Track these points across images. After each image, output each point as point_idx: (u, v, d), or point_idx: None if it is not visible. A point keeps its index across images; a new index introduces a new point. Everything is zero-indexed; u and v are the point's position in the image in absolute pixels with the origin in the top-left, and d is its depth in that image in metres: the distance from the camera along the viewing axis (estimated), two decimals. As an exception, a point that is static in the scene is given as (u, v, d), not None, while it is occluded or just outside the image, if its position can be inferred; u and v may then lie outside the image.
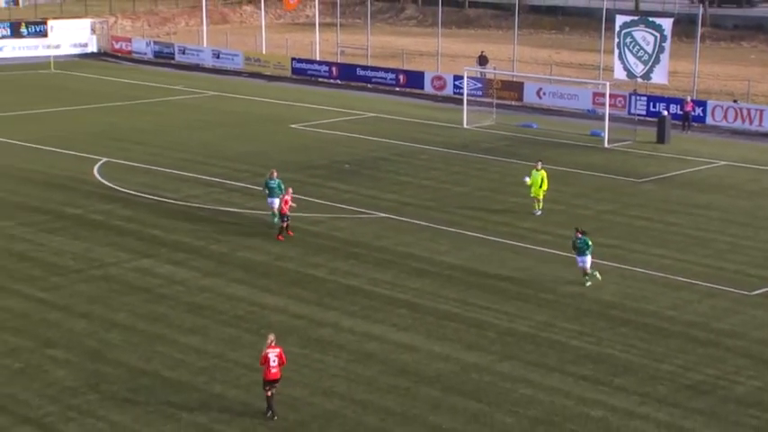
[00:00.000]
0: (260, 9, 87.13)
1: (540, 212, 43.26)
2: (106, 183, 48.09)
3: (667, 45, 58.81)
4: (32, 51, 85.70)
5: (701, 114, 63.29)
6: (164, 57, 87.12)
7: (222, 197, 45.86)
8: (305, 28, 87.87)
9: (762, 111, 62.07)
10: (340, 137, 59.22)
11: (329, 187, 47.74)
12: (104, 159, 52.31)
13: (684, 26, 74.79)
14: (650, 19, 61.52)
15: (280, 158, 53.04)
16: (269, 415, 25.71)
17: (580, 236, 34.70)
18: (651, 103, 63.82)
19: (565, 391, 27.81)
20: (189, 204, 44.46)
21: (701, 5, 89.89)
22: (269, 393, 25.73)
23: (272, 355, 25.55)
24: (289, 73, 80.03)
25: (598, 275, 34.88)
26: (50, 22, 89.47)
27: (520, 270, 37.04)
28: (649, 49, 59.32)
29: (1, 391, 27.43)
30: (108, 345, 30.35)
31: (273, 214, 40.99)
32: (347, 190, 47.35)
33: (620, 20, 61.01)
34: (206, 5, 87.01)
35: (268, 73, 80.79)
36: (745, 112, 62.39)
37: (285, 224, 39.94)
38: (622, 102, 63.58)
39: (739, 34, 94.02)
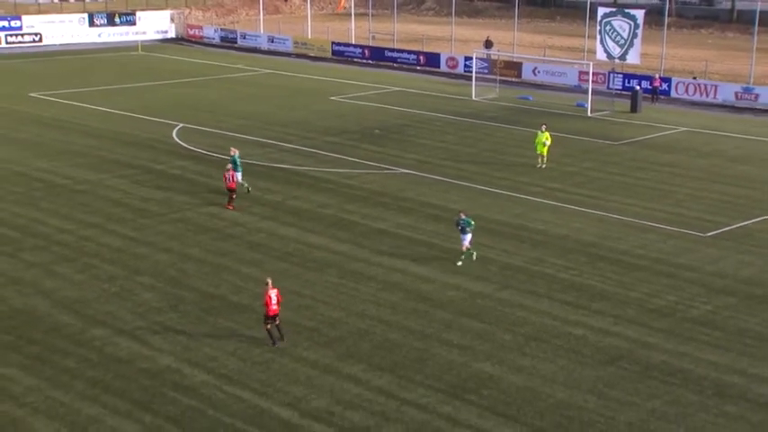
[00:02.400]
0: (306, 2, 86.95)
1: (543, 166, 43.34)
2: (182, 144, 48.33)
3: (640, 32, 59.07)
4: (124, 37, 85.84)
5: (667, 89, 63.20)
6: (228, 41, 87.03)
7: (275, 156, 46.03)
8: (342, 17, 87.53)
9: (716, 86, 62.00)
10: (371, 107, 59.20)
11: (362, 148, 47.81)
12: (181, 125, 52.52)
13: (654, 16, 74.18)
14: (626, 10, 61.79)
15: (322, 124, 53.13)
16: (274, 345, 25.35)
17: (463, 216, 31.61)
18: (626, 80, 63.58)
19: (552, 313, 28.02)
20: (249, 161, 44.61)
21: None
22: (268, 327, 25.24)
23: (273, 294, 25.08)
24: (329, 54, 79.84)
25: (474, 255, 31.80)
26: (138, 13, 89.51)
27: (517, 216, 37.13)
28: (625, 35, 59.37)
29: (101, 309, 27.86)
30: (185, 274, 30.71)
31: (245, 186, 38.79)
32: (376, 150, 47.41)
33: (601, 11, 61.24)
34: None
35: (312, 54, 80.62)
36: (702, 87, 62.24)
37: (234, 196, 37.43)
38: (602, 78, 63.27)
39: (699, 23, 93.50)
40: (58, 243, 33.28)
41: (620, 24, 59.79)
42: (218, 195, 38.88)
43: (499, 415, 22.33)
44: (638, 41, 59.19)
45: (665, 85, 63.21)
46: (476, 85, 62.61)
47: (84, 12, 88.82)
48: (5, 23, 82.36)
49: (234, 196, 37.17)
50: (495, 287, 29.99)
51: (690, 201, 39.57)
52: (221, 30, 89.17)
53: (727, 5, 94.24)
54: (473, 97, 61.71)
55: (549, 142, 43.27)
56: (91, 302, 28.34)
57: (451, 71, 72.75)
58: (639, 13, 59.71)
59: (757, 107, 59.57)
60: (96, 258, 31.93)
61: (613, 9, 63.49)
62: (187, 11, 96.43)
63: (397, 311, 28.02)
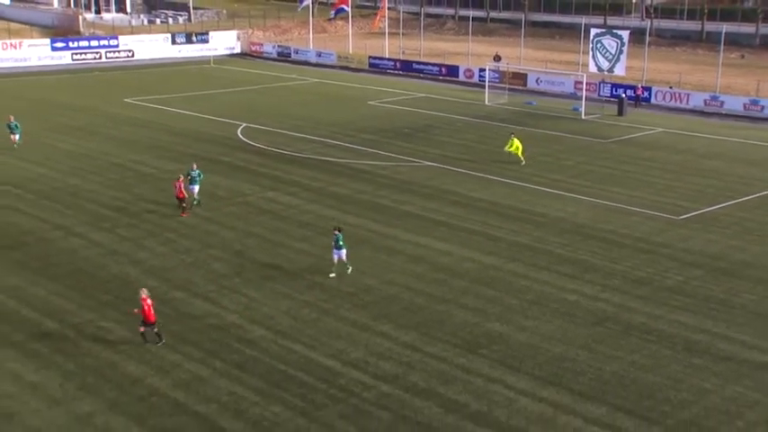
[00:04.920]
0: (348, 23, 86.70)
1: (523, 162, 42.53)
2: (245, 140, 48.41)
3: (625, 48, 58.55)
4: (199, 52, 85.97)
5: (648, 96, 62.40)
6: (283, 56, 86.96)
7: (322, 150, 45.98)
8: (378, 36, 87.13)
9: (689, 94, 61.09)
10: (401, 110, 58.97)
11: (393, 144, 47.62)
12: (244, 125, 52.59)
13: (637, 35, 73.18)
14: (614, 30, 61.32)
15: (360, 124, 52.98)
16: (146, 343, 22.75)
17: (337, 233, 27.84)
18: (614, 88, 62.74)
19: (551, 282, 27.83)
20: (299, 155, 44.67)
21: (650, 21, 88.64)
22: (143, 330, 22.74)
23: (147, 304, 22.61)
24: (367, 66, 79.53)
25: (349, 269, 28.14)
26: (211, 33, 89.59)
27: (523, 201, 36.86)
28: (613, 51, 58.81)
29: (180, 275, 28.00)
30: (247, 247, 30.78)
31: (195, 198, 34.88)
32: (405, 146, 47.22)
33: (593, 31, 60.75)
34: (312, 21, 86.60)
35: (353, 66, 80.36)
36: (677, 95, 61.36)
37: (183, 204, 33.94)
38: (594, 87, 62.53)
39: (674, 42, 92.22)
40: (145, 221, 33.46)
41: (609, 42, 59.26)
42: (276, 183, 38.93)
43: (506, 366, 22.22)
44: (623, 57, 58.66)
45: (646, 93, 62.48)
46: (488, 92, 62.18)
47: (167, 32, 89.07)
48: (106, 42, 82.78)
49: (184, 205, 33.88)
50: (504, 260, 29.81)
51: (666, 190, 39.09)
52: (278, 46, 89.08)
53: (698, 27, 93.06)
54: (486, 102, 61.27)
55: (520, 145, 42.67)
56: (172, 270, 28.50)
57: (468, 80, 72.22)
58: (625, 33, 59.47)
59: (722, 112, 58.74)
60: (176, 234, 32.09)
61: (603, 30, 63.18)
62: (250, 31, 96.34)
63: (422, 280, 27.93)
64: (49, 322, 24.29)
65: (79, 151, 44.89)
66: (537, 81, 68.44)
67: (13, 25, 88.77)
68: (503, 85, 65.31)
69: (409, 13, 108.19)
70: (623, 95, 59.19)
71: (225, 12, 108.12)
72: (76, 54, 79.70)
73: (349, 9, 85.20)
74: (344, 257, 27.88)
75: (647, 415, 20.06)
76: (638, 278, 28.25)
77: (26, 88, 65.05)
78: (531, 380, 21.53)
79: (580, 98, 58.29)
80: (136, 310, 23.04)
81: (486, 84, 63.16)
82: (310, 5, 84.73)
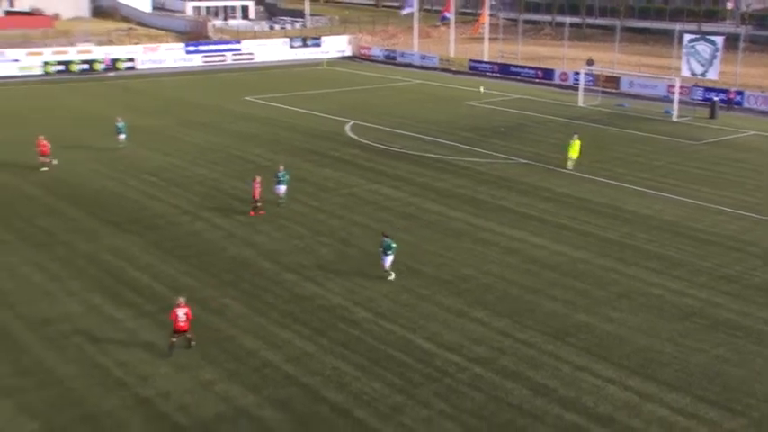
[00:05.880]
0: (449, 28, 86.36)
1: (571, 168, 40.40)
2: (353, 136, 48.83)
3: (719, 54, 56.44)
4: (313, 55, 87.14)
5: (740, 100, 59.95)
6: (389, 58, 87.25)
7: (424, 147, 45.97)
8: (478, 40, 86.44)
9: (782, 98, 58.49)
10: (498, 110, 58.37)
11: (490, 142, 47.20)
12: (352, 122, 53.06)
13: (731, 42, 70.23)
14: (708, 36, 59.12)
15: (460, 123, 52.72)
16: (170, 354, 21.19)
17: (385, 238, 26.42)
18: (706, 92, 60.62)
19: (638, 277, 27.10)
20: (403, 151, 44.77)
21: (744, 28, 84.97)
22: (173, 340, 21.28)
23: (181, 312, 21.30)
24: (467, 69, 79.05)
25: (392, 276, 26.48)
26: (323, 38, 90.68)
27: (614, 199, 36.00)
28: (707, 56, 56.91)
29: (292, 259, 28.48)
30: (352, 235, 31.04)
31: (280, 198, 34.08)
32: (501, 144, 46.75)
33: (687, 37, 58.92)
34: (417, 26, 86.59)
35: (454, 69, 79.97)
36: (770, 99, 58.85)
37: (257, 204, 33.07)
38: (687, 91, 60.45)
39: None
40: (261, 208, 34.11)
41: (703, 48, 57.22)
42: (381, 176, 39.15)
43: (593, 355, 21.78)
44: (717, 62, 56.64)
45: (738, 97, 60.01)
46: (582, 95, 60.89)
47: (285, 37, 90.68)
48: (231, 46, 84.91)
49: (258, 205, 33.08)
50: (593, 255, 29.19)
51: (755, 190, 37.47)
52: (385, 49, 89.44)
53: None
54: (579, 104, 60.02)
55: (577, 149, 40.59)
56: (284, 254, 29.04)
57: (562, 83, 70.86)
58: (719, 39, 57.30)
59: (816, 116, 55.96)
60: (289, 221, 32.66)
61: (697, 35, 61.02)
62: (360, 35, 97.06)
63: (515, 271, 27.63)
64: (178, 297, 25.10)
65: (205, 144, 46.22)
66: (630, 84, 66.60)
67: (153, 31, 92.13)
68: (596, 88, 63.85)
69: (508, 19, 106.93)
70: (716, 99, 57.03)
71: (337, 18, 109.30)
72: (206, 56, 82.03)
73: (452, 16, 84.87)
74: (388, 263, 26.19)
75: (732, 407, 19.33)
76: (725, 275, 27.20)
77: (162, 88, 67.39)
78: (618, 369, 21.03)
79: (672, 101, 56.41)
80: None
81: (581, 86, 61.84)
82: (416, 12, 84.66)
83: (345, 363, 21.25)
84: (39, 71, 72.05)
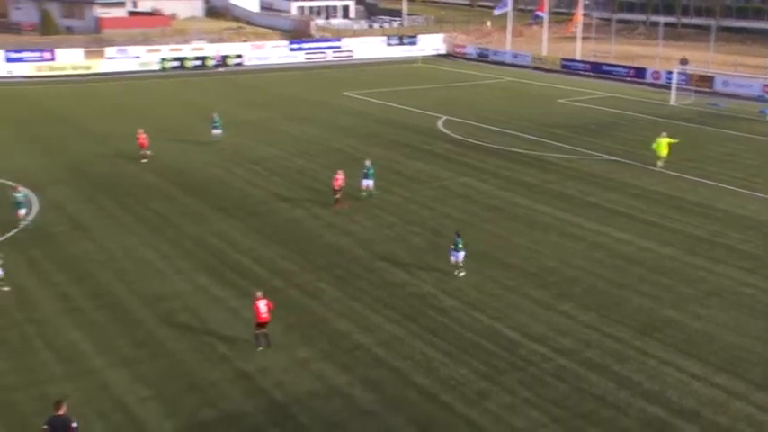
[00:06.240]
0: (543, 28, 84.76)
1: (661, 166, 38.87)
2: (445, 131, 48.59)
3: (818, 53, 53.28)
4: (409, 53, 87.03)
5: (839, 100, 56.70)
6: (482, 56, 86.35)
7: (513, 142, 45.32)
8: (571, 40, 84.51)
9: None
10: (589, 108, 56.97)
11: (580, 139, 46.11)
12: (445, 117, 52.81)
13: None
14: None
15: (550, 120, 51.70)
16: (258, 347, 20.96)
17: (457, 237, 25.86)
18: (803, 92, 57.62)
19: (728, 275, 26.03)
20: (493, 146, 44.27)
21: None
22: (257, 332, 21.02)
23: (262, 304, 21.01)
24: (559, 67, 77.46)
25: (462, 273, 25.84)
26: (419, 36, 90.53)
27: (704, 197, 34.65)
28: (805, 55, 53.81)
29: (384, 248, 28.51)
30: (442, 226, 30.84)
31: (369, 192, 33.83)
32: (591, 141, 45.61)
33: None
34: (510, 25, 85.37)
35: (546, 67, 78.50)
36: None
37: (337, 197, 32.64)
38: (782, 91, 57.62)
39: None
40: (357, 199, 34.08)
41: (801, 47, 54.23)
42: (471, 170, 38.83)
43: (680, 351, 21.05)
44: (816, 61, 53.57)
45: (837, 97, 56.73)
46: (674, 94, 58.75)
47: (383, 35, 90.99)
48: (331, 44, 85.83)
49: (337, 197, 32.76)
50: (681, 252, 28.18)
51: None
52: (478, 48, 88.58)
53: None
54: (671, 103, 57.95)
55: (666, 146, 38.82)
56: (377, 242, 29.18)
57: (655, 82, 68.49)
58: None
59: None
60: (383, 211, 32.78)
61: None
62: (454, 34, 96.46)
63: (602, 265, 26.96)
64: (276, 280, 25.60)
65: (305, 137, 46.86)
66: (724, 83, 63.83)
67: (260, 30, 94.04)
68: (689, 87, 61.48)
69: (601, 18, 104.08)
70: (812, 99, 54.09)
71: (433, 17, 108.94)
72: (308, 54, 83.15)
73: (545, 15, 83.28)
74: (461, 260, 25.67)
75: (822, 411, 18.33)
76: (819, 277, 25.80)
77: (267, 83, 68.70)
78: (705, 365, 20.26)
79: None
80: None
81: (673, 85, 59.67)
82: (510, 11, 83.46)
83: (433, 349, 21.20)
84: (156, 67, 74.58)
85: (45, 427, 15.82)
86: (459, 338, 21.72)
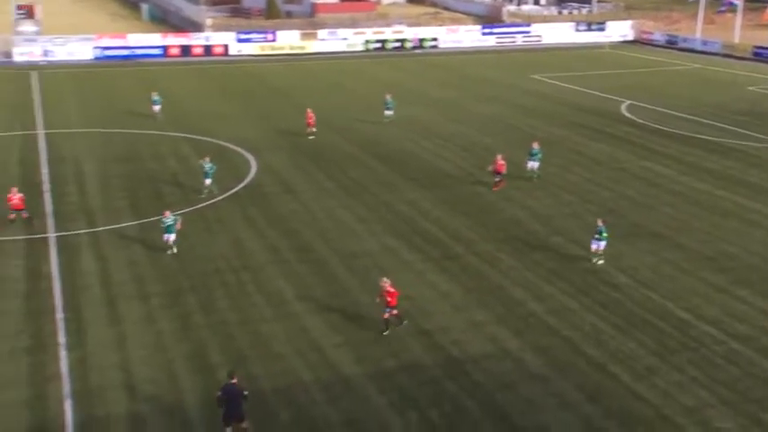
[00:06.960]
0: (736, 15, 77.62)
1: None
2: (628, 115, 46.16)
3: None
4: (597, 39, 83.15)
5: None
6: (670, 43, 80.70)
7: (697, 129, 42.05)
8: (765, 27, 76.81)
9: None
10: (781, 96, 51.79)
11: (767, 127, 42.13)
12: (628, 102, 50.07)
13: None
14: None
15: (736, 107, 47.40)
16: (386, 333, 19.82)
17: (601, 224, 24.06)
18: None
19: None
20: (676, 131, 41.43)
21: None
22: (386, 316, 19.88)
23: (391, 290, 19.80)
24: (750, 55, 70.78)
25: (601, 261, 24.09)
26: (608, 22, 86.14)
27: None
28: None
29: (560, 224, 27.78)
30: (619, 207, 29.43)
31: (535, 173, 32.47)
32: None
33: None
34: (702, 12, 78.98)
35: (736, 55, 72.08)
36: None
37: (497, 179, 31.23)
38: None
39: None
40: (499, 183, 33.44)
41: None
42: (652, 154, 36.73)
43: None
44: None
45: None
46: None
47: (571, 21, 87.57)
48: (521, 29, 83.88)
49: (497, 179, 31.23)
50: None
51: None
52: (666, 34, 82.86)
53: None
54: None
55: None
56: (554, 218, 28.51)
57: None
58: None
59: None
60: (562, 189, 31.91)
61: None
62: (642, 21, 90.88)
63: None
64: (458, 247, 25.78)
65: (491, 115, 46.35)
66: None
67: (456, 15, 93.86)
68: None
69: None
70: None
71: (622, 4, 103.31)
72: (498, 38, 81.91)
73: (739, 2, 76.25)
74: (602, 248, 23.89)
75: None
76: None
77: (459, 65, 68.56)
78: None
79: None
80: (378, 300, 20.22)
81: None
82: (702, -2, 77.33)
83: (604, 322, 20.51)
84: (360, 48, 76.67)
85: (219, 393, 15.50)
86: (629, 314, 20.84)
